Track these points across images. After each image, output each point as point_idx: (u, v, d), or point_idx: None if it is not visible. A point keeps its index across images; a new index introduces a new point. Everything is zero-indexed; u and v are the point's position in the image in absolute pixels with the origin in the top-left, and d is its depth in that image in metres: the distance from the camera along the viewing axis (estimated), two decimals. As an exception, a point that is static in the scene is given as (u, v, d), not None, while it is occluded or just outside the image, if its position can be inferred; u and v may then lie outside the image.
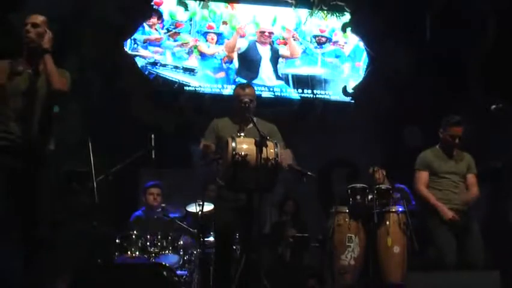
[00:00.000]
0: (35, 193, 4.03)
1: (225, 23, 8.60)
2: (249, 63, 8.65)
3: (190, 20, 8.51)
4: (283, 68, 8.71)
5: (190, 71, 8.40)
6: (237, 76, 8.53)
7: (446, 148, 5.61)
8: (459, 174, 5.56)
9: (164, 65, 8.31)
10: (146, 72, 8.21)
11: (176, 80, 8.35)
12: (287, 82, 8.70)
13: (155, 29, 8.37)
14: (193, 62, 8.44)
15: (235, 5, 8.66)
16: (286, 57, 8.70)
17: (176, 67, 8.36)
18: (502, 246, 6.42)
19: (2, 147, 4.00)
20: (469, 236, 5.40)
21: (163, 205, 6.37)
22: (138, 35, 8.26)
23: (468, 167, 5.61)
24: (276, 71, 8.66)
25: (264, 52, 8.66)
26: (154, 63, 8.28)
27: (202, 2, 8.52)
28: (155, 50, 8.32)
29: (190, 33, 8.49)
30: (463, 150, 5.67)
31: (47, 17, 4.21)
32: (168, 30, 8.42)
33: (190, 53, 8.44)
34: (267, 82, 8.61)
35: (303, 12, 8.79)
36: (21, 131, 4.01)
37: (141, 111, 7.61)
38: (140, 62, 8.22)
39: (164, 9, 8.43)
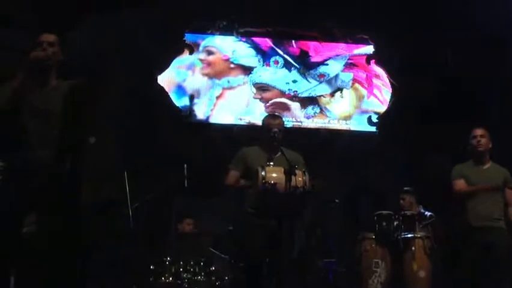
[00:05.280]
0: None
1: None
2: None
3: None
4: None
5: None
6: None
7: (476, 157, 5.49)
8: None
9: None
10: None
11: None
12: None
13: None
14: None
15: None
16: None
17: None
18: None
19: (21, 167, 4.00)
20: (495, 256, 5.20)
21: (196, 231, 6.58)
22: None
23: (505, 181, 5.43)
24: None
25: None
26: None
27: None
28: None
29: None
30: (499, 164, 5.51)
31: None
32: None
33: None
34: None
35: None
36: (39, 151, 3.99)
37: (174, 142, 7.82)
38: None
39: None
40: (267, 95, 8.81)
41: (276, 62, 8.90)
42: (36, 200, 3.90)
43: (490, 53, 7.75)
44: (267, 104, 8.75)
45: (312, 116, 8.82)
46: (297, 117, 8.78)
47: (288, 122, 8.51)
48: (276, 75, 8.87)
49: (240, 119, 8.62)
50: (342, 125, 8.85)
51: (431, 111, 8.20)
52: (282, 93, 8.83)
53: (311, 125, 8.81)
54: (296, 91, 8.85)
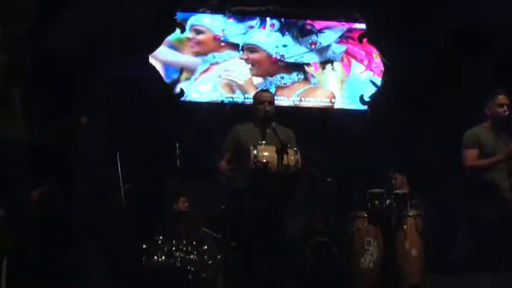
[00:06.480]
0: None
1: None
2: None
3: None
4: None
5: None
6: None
7: (495, 123, 5.29)
8: None
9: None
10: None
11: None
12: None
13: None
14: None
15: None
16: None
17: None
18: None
19: None
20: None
21: (188, 210, 6.60)
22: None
23: None
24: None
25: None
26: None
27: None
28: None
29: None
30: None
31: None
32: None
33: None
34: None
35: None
36: None
37: (166, 122, 7.81)
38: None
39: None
40: (254, 56, 8.79)
41: (272, 25, 8.89)
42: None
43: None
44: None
45: (296, 82, 8.81)
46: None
47: (280, 100, 8.49)
48: (268, 37, 8.86)
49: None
50: (334, 104, 8.84)
51: (424, 91, 8.20)
52: (269, 56, 8.81)
53: (303, 104, 8.79)
54: (283, 55, 8.83)
